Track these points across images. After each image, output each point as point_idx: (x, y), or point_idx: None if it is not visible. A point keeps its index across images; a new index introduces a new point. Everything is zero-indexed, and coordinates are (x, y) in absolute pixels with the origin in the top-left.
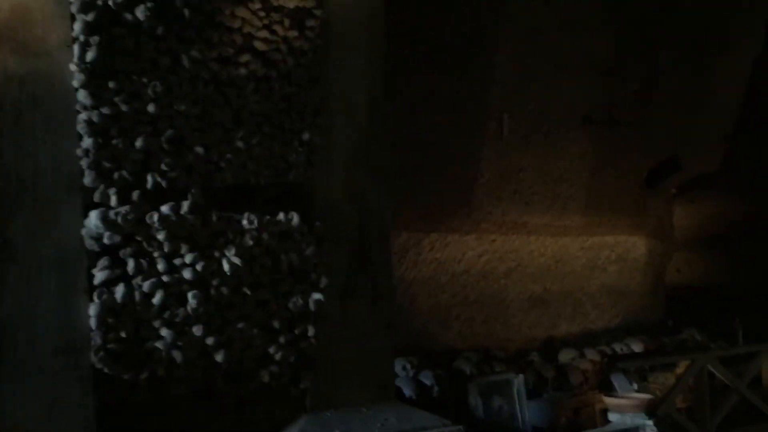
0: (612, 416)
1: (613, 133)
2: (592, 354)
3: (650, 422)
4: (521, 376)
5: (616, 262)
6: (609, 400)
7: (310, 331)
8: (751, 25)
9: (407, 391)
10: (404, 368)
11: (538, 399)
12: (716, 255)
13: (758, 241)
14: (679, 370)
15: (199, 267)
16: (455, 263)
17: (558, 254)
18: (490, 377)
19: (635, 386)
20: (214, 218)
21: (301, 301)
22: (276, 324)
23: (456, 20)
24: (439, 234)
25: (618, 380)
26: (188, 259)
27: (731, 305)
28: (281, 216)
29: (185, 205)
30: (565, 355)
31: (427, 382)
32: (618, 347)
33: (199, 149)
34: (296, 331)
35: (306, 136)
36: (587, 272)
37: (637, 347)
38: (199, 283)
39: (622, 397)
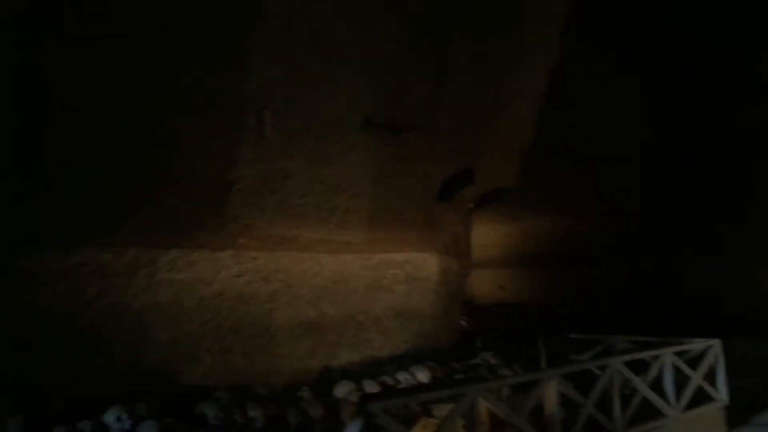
0: None
1: (399, 139)
2: (371, 386)
3: None
4: None
5: (405, 282)
6: None
7: None
8: (544, 33)
9: None
10: (119, 419)
11: None
12: (538, 272)
13: (579, 258)
14: None
15: None
16: (204, 285)
17: (337, 273)
18: None
19: None
20: None
21: None
22: None
23: None
24: (181, 250)
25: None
26: None
27: (549, 321)
28: None
29: None
30: (342, 389)
31: None
32: (403, 377)
33: None
34: None
35: None
36: (371, 293)
37: (423, 376)
38: None
39: None
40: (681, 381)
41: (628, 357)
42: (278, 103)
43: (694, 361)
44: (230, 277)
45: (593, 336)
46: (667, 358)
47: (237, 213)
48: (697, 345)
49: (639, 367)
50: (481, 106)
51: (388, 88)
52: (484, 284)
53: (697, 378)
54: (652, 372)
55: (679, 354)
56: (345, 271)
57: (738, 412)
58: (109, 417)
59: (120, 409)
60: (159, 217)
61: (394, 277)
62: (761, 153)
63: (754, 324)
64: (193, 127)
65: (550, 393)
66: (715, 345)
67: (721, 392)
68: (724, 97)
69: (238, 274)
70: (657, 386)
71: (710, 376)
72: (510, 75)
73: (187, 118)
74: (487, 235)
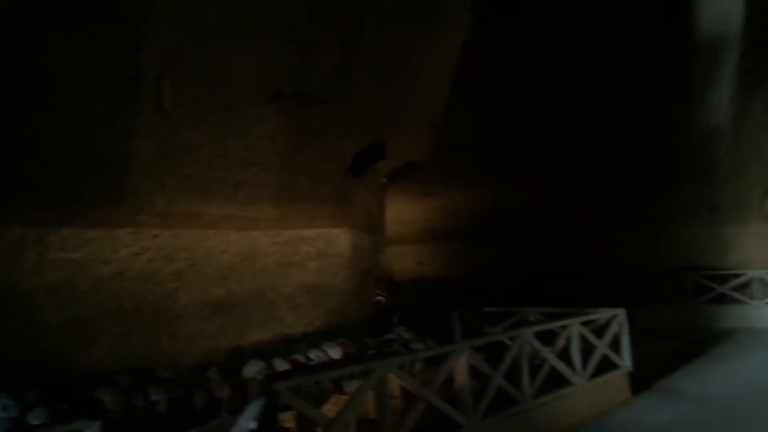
0: None
1: (308, 112)
2: (281, 365)
3: None
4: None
5: (317, 258)
6: None
7: None
8: (455, 5)
9: None
10: (4, 408)
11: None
12: (457, 247)
13: (496, 232)
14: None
15: None
16: (101, 264)
17: (245, 250)
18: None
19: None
20: None
21: None
22: None
23: None
24: (75, 228)
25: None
26: None
27: (467, 296)
28: None
29: None
30: (251, 368)
31: (38, 422)
32: (315, 354)
33: None
34: None
35: None
36: (282, 270)
37: (335, 353)
38: None
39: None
40: (589, 350)
41: (537, 328)
42: (179, 71)
43: (600, 331)
44: (130, 255)
45: (506, 309)
46: (573, 328)
47: (136, 188)
48: (602, 315)
49: (549, 338)
50: (391, 79)
51: (297, 58)
52: (403, 260)
53: (602, 346)
54: (560, 342)
55: (585, 324)
56: (254, 248)
57: (642, 378)
58: None
59: (5, 398)
60: (49, 192)
61: (306, 253)
62: (670, 125)
63: (660, 293)
64: (86, 96)
65: (461, 366)
66: (620, 314)
67: (626, 360)
68: (638, 68)
69: (138, 253)
70: (566, 356)
71: (615, 345)
72: (420, 48)
73: (80, 86)
74: (406, 211)
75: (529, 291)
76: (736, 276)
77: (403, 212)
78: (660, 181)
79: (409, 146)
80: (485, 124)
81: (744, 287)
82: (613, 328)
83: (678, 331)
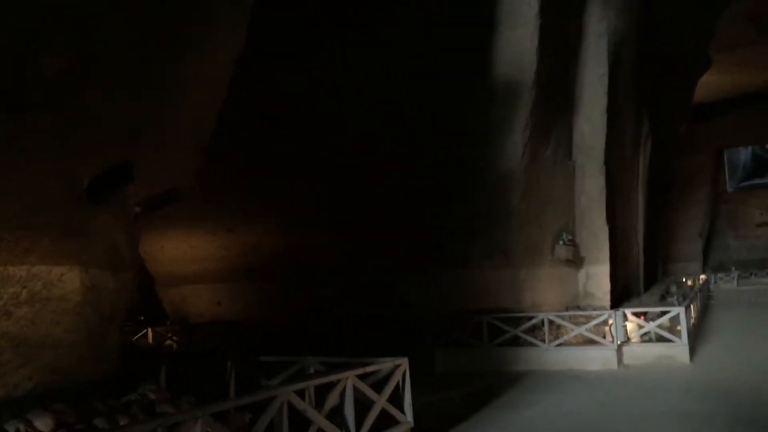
0: None
1: (20, 121)
2: None
3: None
4: None
5: (29, 303)
6: None
7: None
8: (230, 15)
9: None
10: None
11: None
12: (259, 287)
13: (297, 273)
14: None
15: None
16: None
17: None
18: None
19: None
20: None
21: None
22: None
23: None
24: None
25: None
26: None
27: (261, 340)
28: None
29: None
30: None
31: None
32: (14, 427)
33: None
34: None
35: None
36: None
37: (43, 423)
38: None
39: None
40: (369, 404)
41: (302, 384)
42: None
43: (383, 382)
44: None
45: (287, 358)
46: (348, 381)
47: None
48: (384, 365)
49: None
50: (143, 91)
51: (7, 52)
52: (200, 300)
53: (380, 401)
54: (332, 398)
55: (364, 376)
56: None
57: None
58: None
59: None
60: None
61: (12, 296)
62: (468, 170)
63: (459, 337)
64: None
65: None
66: (403, 364)
67: (407, 414)
68: (436, 112)
69: None
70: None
71: (398, 397)
72: (181, 60)
73: None
74: (205, 248)
75: (329, 335)
76: (529, 318)
77: (201, 249)
78: (458, 225)
79: (168, 171)
80: (286, 157)
81: (536, 329)
82: (396, 379)
83: (474, 376)
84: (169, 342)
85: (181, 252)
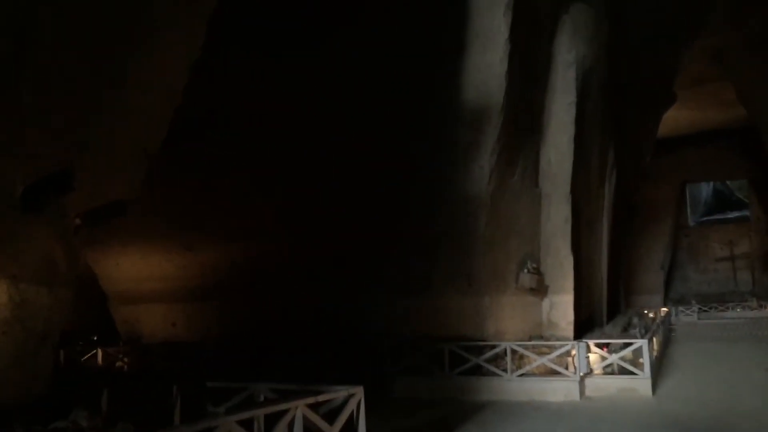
0: None
1: None
2: None
3: None
4: None
5: None
6: None
7: None
8: (184, 18)
9: None
10: None
11: None
12: (214, 307)
13: (254, 292)
14: None
15: None
16: None
17: None
18: None
19: None
20: None
21: None
22: None
23: None
24: None
25: None
26: None
27: (217, 363)
28: None
29: None
30: None
31: None
32: None
33: None
34: None
35: None
36: None
37: None
38: None
39: None
40: None
41: (247, 414)
42: None
43: (337, 411)
44: None
45: (235, 384)
46: (297, 411)
47: None
48: (337, 394)
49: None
50: (85, 91)
51: None
52: (155, 320)
53: None
54: (280, 429)
55: (315, 405)
56: None
57: None
58: None
59: None
60: None
61: None
62: (433, 194)
63: (419, 363)
64: None
65: None
66: (358, 393)
67: None
68: (403, 133)
69: None
70: None
71: (352, 428)
72: (129, 58)
73: None
74: (161, 267)
75: (287, 356)
76: (492, 347)
77: (158, 267)
78: (421, 249)
79: (112, 180)
80: (246, 172)
81: (498, 358)
82: (350, 409)
83: (434, 403)
84: (119, 363)
85: (136, 270)
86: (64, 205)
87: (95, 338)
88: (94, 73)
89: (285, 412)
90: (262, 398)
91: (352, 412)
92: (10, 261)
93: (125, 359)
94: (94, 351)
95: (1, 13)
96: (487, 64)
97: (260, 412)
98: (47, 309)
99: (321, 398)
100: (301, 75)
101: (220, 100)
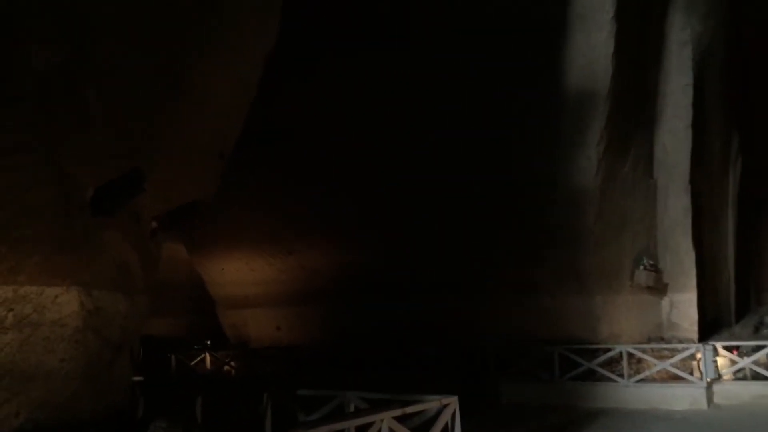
0: None
1: (2, 114)
2: None
3: None
4: None
5: (17, 328)
6: None
7: None
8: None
9: None
10: None
11: None
12: (315, 311)
13: (356, 295)
14: None
15: None
16: None
17: None
18: None
19: None
20: None
21: None
22: None
23: None
24: None
25: None
26: None
27: (319, 367)
28: None
29: None
30: None
31: None
32: None
33: None
34: None
35: None
36: None
37: None
38: None
39: None
40: None
41: (333, 426)
42: None
43: (430, 422)
44: None
45: (325, 392)
46: (384, 423)
47: None
48: (429, 405)
49: None
50: (153, 90)
51: None
52: (261, 325)
53: None
54: None
55: (406, 417)
56: None
57: None
58: None
59: None
60: None
61: None
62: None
63: (527, 367)
64: None
65: None
66: (452, 404)
67: None
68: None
69: None
70: None
71: None
72: (198, 54)
73: None
74: (264, 271)
75: (389, 359)
76: (606, 350)
77: (260, 271)
78: (526, 247)
79: (187, 181)
80: (345, 175)
81: (613, 362)
82: (444, 420)
83: (543, 411)
84: (227, 367)
85: (240, 275)
86: (138, 209)
87: (208, 342)
88: (159, 71)
89: (370, 424)
90: (352, 407)
91: (446, 423)
92: (81, 267)
93: (232, 363)
94: (203, 355)
95: (63, 14)
96: (591, 46)
97: (347, 425)
98: (123, 317)
99: (409, 410)
100: (396, 73)
101: (312, 98)
